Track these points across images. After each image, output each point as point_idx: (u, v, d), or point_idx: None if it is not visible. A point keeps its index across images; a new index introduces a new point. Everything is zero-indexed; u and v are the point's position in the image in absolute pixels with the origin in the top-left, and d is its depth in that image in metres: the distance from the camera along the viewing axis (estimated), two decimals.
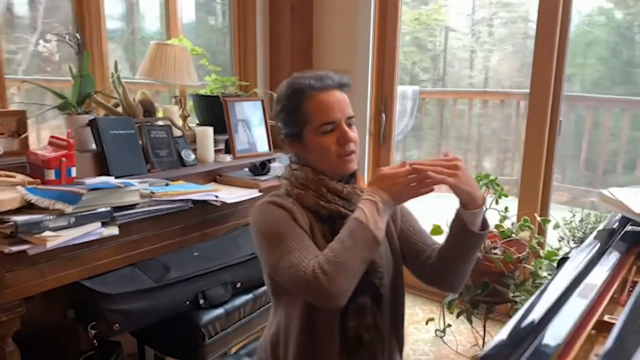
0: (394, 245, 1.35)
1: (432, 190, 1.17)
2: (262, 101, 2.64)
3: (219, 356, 1.93)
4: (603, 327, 1.07)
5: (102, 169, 2.02)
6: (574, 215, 2.28)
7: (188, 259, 1.95)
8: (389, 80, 2.97)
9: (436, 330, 2.61)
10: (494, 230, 2.38)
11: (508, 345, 0.94)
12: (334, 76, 1.31)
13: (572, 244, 2.24)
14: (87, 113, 2.10)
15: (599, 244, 1.39)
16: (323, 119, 1.25)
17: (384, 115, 2.99)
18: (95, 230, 1.71)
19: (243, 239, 2.14)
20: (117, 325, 1.68)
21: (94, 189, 1.73)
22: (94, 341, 1.74)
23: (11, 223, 1.51)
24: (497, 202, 2.41)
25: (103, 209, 1.74)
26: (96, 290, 1.68)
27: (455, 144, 5.36)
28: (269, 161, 2.46)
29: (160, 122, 2.30)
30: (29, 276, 1.58)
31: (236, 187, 2.28)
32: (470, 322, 2.32)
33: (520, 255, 2.25)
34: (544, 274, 2.23)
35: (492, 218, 2.53)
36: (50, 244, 1.58)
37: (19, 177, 1.77)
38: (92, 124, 2.04)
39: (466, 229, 1.20)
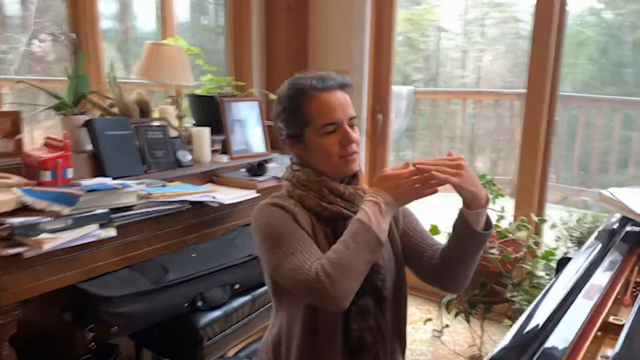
0: (395, 246, 1.34)
1: (436, 191, 1.16)
2: (259, 101, 2.63)
3: (217, 358, 1.92)
4: (608, 329, 1.07)
5: (98, 170, 2.00)
6: (571, 215, 2.29)
7: (186, 260, 1.93)
8: (385, 80, 2.97)
9: (433, 330, 2.61)
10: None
11: (515, 349, 0.94)
12: (336, 76, 1.30)
13: (569, 244, 2.25)
14: (82, 114, 2.08)
15: (600, 245, 1.39)
16: (325, 119, 1.25)
17: (380, 116, 2.99)
18: (92, 232, 1.69)
19: (241, 240, 2.13)
20: (115, 328, 1.67)
21: (91, 190, 1.71)
22: (92, 344, 1.73)
23: (7, 225, 1.49)
24: (493, 202, 2.42)
25: (100, 211, 1.73)
26: (94, 292, 1.67)
27: (449, 143, 5.36)
28: (266, 161, 2.45)
29: (157, 123, 2.28)
30: (25, 279, 1.56)
31: (233, 187, 2.27)
32: (469, 322, 2.32)
33: (517, 255, 2.25)
34: (541, 273, 2.24)
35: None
36: (47, 247, 1.56)
37: (15, 179, 1.75)
38: (88, 124, 2.02)
39: (470, 229, 1.19)
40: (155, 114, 2.39)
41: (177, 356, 1.89)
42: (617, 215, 1.57)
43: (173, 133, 2.31)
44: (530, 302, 2.13)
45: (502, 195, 2.34)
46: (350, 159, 1.27)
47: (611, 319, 1.08)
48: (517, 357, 0.90)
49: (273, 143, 2.68)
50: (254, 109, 2.61)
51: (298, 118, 1.27)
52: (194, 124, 2.62)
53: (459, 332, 2.63)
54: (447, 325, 2.53)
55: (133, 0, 4.12)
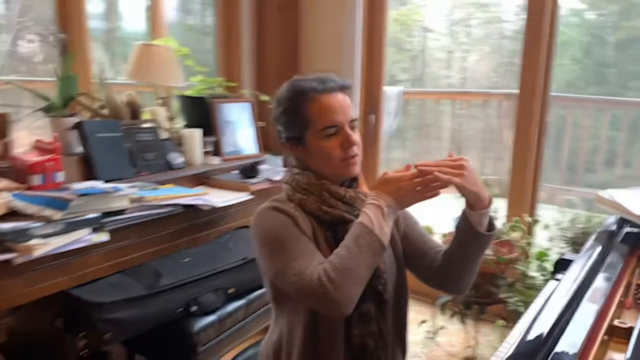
0: (396, 249, 1.33)
1: (438, 193, 1.15)
2: (251, 102, 2.60)
3: None
4: (613, 332, 1.07)
5: (89, 173, 1.96)
6: (564, 216, 2.29)
7: (179, 265, 1.90)
8: (377, 81, 2.96)
9: (427, 331, 2.61)
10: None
11: (524, 356, 0.93)
12: (336, 78, 1.28)
13: (562, 244, 2.26)
14: (72, 116, 2.04)
15: (600, 247, 1.39)
16: (326, 122, 1.23)
17: (372, 116, 2.98)
18: (84, 237, 1.66)
19: (234, 243, 2.11)
20: (108, 334, 1.63)
21: (83, 194, 1.68)
22: (84, 351, 1.69)
23: None
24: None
25: (92, 215, 1.70)
26: (86, 299, 1.63)
27: (438, 144, 5.37)
28: (258, 163, 2.42)
29: (147, 125, 2.25)
30: (16, 286, 1.52)
31: (225, 190, 2.25)
32: (464, 323, 2.32)
33: (511, 256, 2.26)
34: (535, 274, 2.24)
35: None
36: (38, 253, 1.53)
37: (3, 183, 1.71)
38: (78, 127, 1.99)
39: (473, 230, 1.18)
40: (146, 116, 2.35)
41: None
42: (615, 217, 1.58)
43: (164, 135, 2.28)
44: (525, 302, 2.14)
45: (497, 196, 2.34)
46: (351, 162, 1.25)
47: (616, 322, 1.08)
48: None
49: (265, 144, 2.66)
50: (246, 110, 2.59)
51: (298, 120, 1.25)
52: (184, 126, 2.58)
53: (453, 333, 2.63)
54: (442, 327, 2.53)
55: (119, 0, 4.07)
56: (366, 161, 3.04)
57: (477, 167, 5.28)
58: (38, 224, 1.56)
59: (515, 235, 2.31)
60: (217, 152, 2.46)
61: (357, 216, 1.21)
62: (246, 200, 2.18)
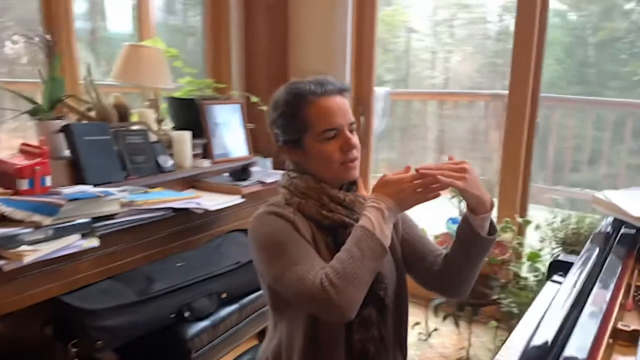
0: (396, 253, 1.32)
1: (438, 195, 1.15)
2: (241, 104, 2.57)
3: None
4: (617, 335, 1.06)
5: (77, 177, 1.92)
6: (555, 217, 2.30)
7: (171, 270, 1.87)
8: (367, 82, 2.95)
9: (419, 333, 2.60)
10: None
11: None
12: (335, 81, 1.26)
13: (554, 245, 2.26)
14: (59, 118, 2.00)
15: (597, 249, 1.39)
16: (325, 125, 1.21)
17: (362, 118, 2.97)
18: (74, 242, 1.63)
19: (226, 247, 2.08)
20: (100, 342, 1.60)
21: (73, 199, 1.64)
22: (75, 359, 1.66)
23: None
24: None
25: (82, 220, 1.67)
26: (77, 306, 1.60)
27: (425, 144, 5.39)
28: (249, 165, 2.40)
29: (136, 127, 2.21)
30: (4, 293, 1.49)
31: (217, 193, 2.22)
32: (457, 325, 2.32)
33: (504, 257, 2.26)
34: (527, 275, 2.25)
35: None
36: (27, 259, 1.50)
37: None
38: (66, 130, 1.94)
39: (475, 234, 1.18)
40: (134, 118, 2.31)
41: None
42: (610, 218, 1.58)
43: (153, 137, 2.24)
44: (518, 304, 2.15)
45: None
46: (351, 166, 1.24)
47: (619, 325, 1.07)
48: None
49: (255, 146, 2.64)
50: (236, 111, 2.56)
51: (296, 124, 1.23)
52: (173, 128, 2.55)
53: (445, 334, 2.62)
54: (436, 329, 2.52)
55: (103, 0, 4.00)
56: None
57: None
58: (27, 230, 1.52)
59: (507, 236, 2.32)
60: (206, 154, 2.43)
61: (357, 220, 1.20)
62: (238, 204, 2.16)
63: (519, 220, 2.43)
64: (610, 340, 1.02)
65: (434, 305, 2.34)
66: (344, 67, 2.80)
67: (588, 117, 4.69)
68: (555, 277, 1.64)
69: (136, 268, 1.83)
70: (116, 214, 1.77)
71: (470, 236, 1.19)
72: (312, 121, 1.21)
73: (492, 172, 4.36)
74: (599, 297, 1.11)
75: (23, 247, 1.49)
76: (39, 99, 1.99)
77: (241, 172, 2.30)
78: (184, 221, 1.99)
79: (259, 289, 2.03)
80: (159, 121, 2.39)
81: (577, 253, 2.11)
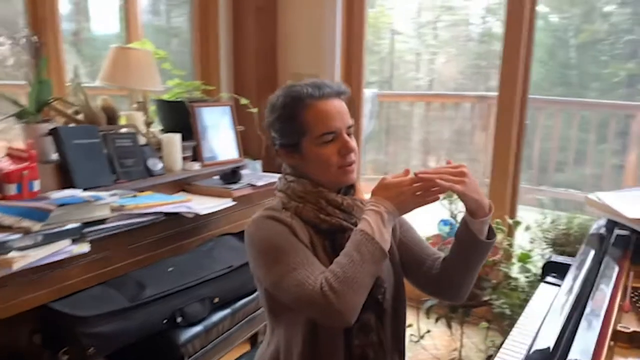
0: (394, 257, 1.31)
1: (437, 199, 1.14)
2: (231, 106, 2.55)
3: None
4: (617, 337, 1.07)
5: (66, 182, 1.89)
6: (545, 217, 2.32)
7: (163, 275, 1.85)
8: (356, 83, 2.94)
9: (411, 335, 2.60)
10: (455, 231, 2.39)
11: None
12: (332, 84, 1.25)
13: (544, 246, 2.28)
14: (46, 121, 1.96)
15: (592, 251, 1.40)
16: (324, 128, 1.20)
17: (351, 120, 2.96)
18: (64, 248, 1.60)
19: (218, 251, 2.06)
20: (91, 349, 1.57)
21: (63, 204, 1.61)
22: None
23: None
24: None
25: (72, 225, 1.63)
26: (68, 313, 1.57)
27: (411, 145, 5.40)
28: (240, 168, 2.38)
29: (125, 130, 2.18)
30: None
31: (207, 196, 2.19)
32: (450, 327, 2.33)
33: (495, 258, 2.27)
34: (518, 275, 2.26)
35: None
36: (17, 266, 1.46)
37: None
38: (54, 133, 1.91)
39: (474, 238, 1.17)
40: (122, 121, 2.28)
41: None
42: (603, 220, 1.59)
43: (142, 140, 2.21)
44: (510, 304, 2.16)
45: None
46: (349, 169, 1.23)
47: (619, 327, 1.08)
48: None
49: (245, 149, 2.62)
50: (225, 114, 2.54)
51: (294, 127, 1.21)
52: (162, 130, 2.52)
53: (437, 336, 2.63)
54: (428, 331, 2.52)
55: (87, 1, 3.94)
56: None
57: None
58: (16, 236, 1.49)
59: (498, 237, 2.32)
60: (196, 157, 2.41)
61: (355, 224, 1.19)
62: (229, 207, 2.14)
63: (509, 221, 2.44)
64: (612, 343, 1.03)
65: (426, 307, 2.34)
66: (333, 69, 2.79)
67: (572, 118, 4.74)
68: (549, 279, 1.65)
69: (127, 273, 1.80)
70: (107, 218, 1.74)
71: (469, 240, 1.18)
72: (310, 124, 1.20)
73: (479, 173, 4.39)
74: (598, 300, 1.12)
75: (12, 254, 1.46)
76: (24, 102, 1.95)
77: (231, 175, 2.27)
78: (175, 225, 1.96)
79: (251, 293, 2.04)
80: (148, 124, 2.35)
81: (567, 254, 2.14)
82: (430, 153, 5.41)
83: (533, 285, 2.17)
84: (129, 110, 2.42)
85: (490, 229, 1.21)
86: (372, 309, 1.22)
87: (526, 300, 2.16)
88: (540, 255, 2.27)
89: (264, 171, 2.74)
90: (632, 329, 1.07)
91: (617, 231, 1.49)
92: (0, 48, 1.96)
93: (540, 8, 6.21)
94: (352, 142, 1.23)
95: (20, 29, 2.12)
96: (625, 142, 4.57)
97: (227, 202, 2.13)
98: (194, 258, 1.98)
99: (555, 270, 1.67)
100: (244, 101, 2.57)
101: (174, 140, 2.27)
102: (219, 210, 2.09)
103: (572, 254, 2.08)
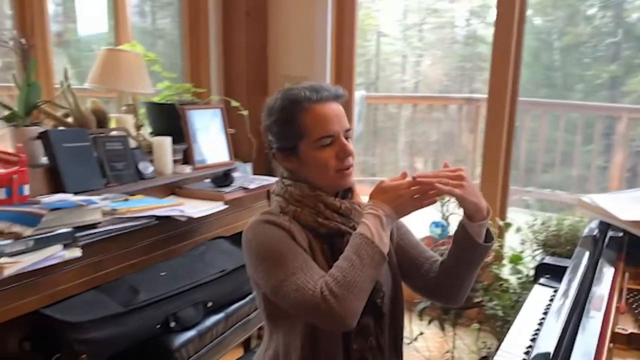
0: (391, 260, 1.30)
1: (435, 202, 1.15)
2: (222, 109, 2.54)
3: None
4: (615, 339, 1.08)
5: (56, 186, 1.86)
6: (536, 219, 2.34)
7: (156, 279, 1.83)
8: (347, 86, 2.93)
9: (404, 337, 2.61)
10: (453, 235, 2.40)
11: None
12: (330, 87, 1.25)
13: (534, 247, 2.30)
14: (35, 125, 1.93)
15: (587, 253, 1.41)
16: (322, 132, 1.19)
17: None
18: (56, 253, 1.58)
19: (211, 254, 2.05)
20: (84, 355, 1.55)
21: (55, 208, 1.59)
22: None
23: None
24: (459, 207, 2.44)
25: (64, 230, 1.61)
26: (60, 319, 1.55)
27: (399, 147, 5.42)
28: (230, 171, 2.36)
29: (115, 133, 2.16)
30: None
31: (199, 199, 2.18)
32: (443, 329, 2.33)
33: (487, 259, 2.28)
34: (510, 277, 2.27)
35: (455, 224, 2.56)
36: (8, 272, 1.44)
37: None
38: (43, 136, 1.88)
39: (472, 241, 1.18)
40: (112, 124, 2.25)
41: None
42: (596, 222, 1.61)
43: (132, 144, 2.19)
44: (502, 306, 2.17)
45: None
46: (346, 173, 1.23)
47: (617, 329, 1.09)
48: None
49: (235, 151, 2.61)
50: (216, 116, 2.52)
51: (292, 130, 1.21)
52: (151, 133, 2.50)
53: (429, 337, 2.63)
54: (421, 333, 2.53)
55: (75, 1, 3.89)
56: None
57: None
58: (7, 242, 1.46)
59: None
60: (187, 160, 2.39)
61: (353, 228, 1.19)
62: (221, 210, 2.12)
63: (500, 222, 2.46)
64: (611, 345, 1.03)
65: (419, 310, 2.34)
66: (323, 71, 2.79)
67: (558, 119, 4.79)
68: (542, 280, 1.66)
69: (120, 278, 1.78)
70: (98, 223, 1.72)
71: (467, 243, 1.19)
72: (308, 128, 1.20)
73: (468, 174, 4.41)
74: (596, 302, 1.12)
75: (3, 259, 1.43)
76: (11, 105, 1.92)
77: (223, 178, 2.26)
78: (167, 229, 1.95)
79: (244, 297, 2.03)
80: (138, 127, 2.33)
81: (558, 255, 2.16)
82: (417, 155, 5.44)
83: (525, 286, 2.19)
84: (117, 113, 2.39)
85: (488, 232, 1.21)
86: (371, 313, 1.21)
87: (518, 302, 2.18)
88: (530, 257, 2.28)
89: (255, 174, 2.73)
90: (629, 331, 1.07)
91: (610, 233, 1.50)
92: None
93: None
94: (350, 145, 1.23)
95: (7, 31, 2.08)
96: (610, 144, 4.63)
97: (219, 206, 2.12)
98: (186, 262, 1.97)
99: (548, 271, 1.68)
100: (234, 103, 2.56)
101: (165, 144, 2.25)
102: (211, 214, 2.07)
103: (562, 255, 2.11)
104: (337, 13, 2.85)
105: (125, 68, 2.23)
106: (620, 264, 1.36)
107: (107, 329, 1.60)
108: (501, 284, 2.24)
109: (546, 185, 4.84)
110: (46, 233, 1.56)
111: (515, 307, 2.12)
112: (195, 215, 1.97)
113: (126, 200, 1.94)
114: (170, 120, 2.40)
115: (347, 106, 2.82)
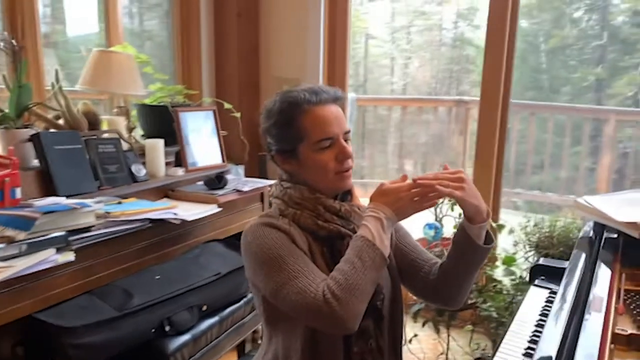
0: (390, 262, 1.30)
1: (435, 204, 1.15)
2: (214, 111, 2.52)
3: None
4: (615, 340, 1.08)
5: (48, 188, 1.84)
6: (529, 221, 2.35)
7: (150, 283, 1.81)
8: (340, 88, 2.93)
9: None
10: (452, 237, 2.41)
11: None
12: (329, 89, 1.25)
13: (527, 248, 2.31)
14: (26, 127, 1.91)
15: (584, 255, 1.42)
16: (321, 134, 1.19)
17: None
18: (49, 257, 1.55)
19: (205, 258, 2.03)
20: None
21: (48, 212, 1.57)
22: None
23: None
24: (452, 209, 2.46)
25: (57, 234, 1.59)
26: (53, 323, 1.52)
27: (389, 149, 5.42)
28: (223, 173, 2.35)
29: (107, 135, 2.13)
30: None
31: (192, 202, 2.16)
32: (438, 331, 2.34)
33: None
34: (503, 278, 2.28)
35: (449, 225, 2.58)
36: (0, 277, 1.41)
37: None
38: (35, 139, 1.86)
39: (472, 244, 1.18)
40: (104, 126, 2.23)
41: None
42: (590, 223, 1.62)
43: (125, 146, 2.17)
44: (496, 307, 2.18)
45: None
46: (346, 175, 1.23)
47: (617, 330, 1.09)
48: None
49: (228, 153, 2.59)
50: (208, 118, 2.51)
51: (291, 133, 1.20)
52: (143, 135, 2.48)
53: (423, 339, 2.63)
54: (416, 335, 2.53)
55: (63, 1, 3.85)
56: None
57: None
58: None
59: None
60: (179, 162, 2.37)
61: (353, 230, 1.19)
62: (215, 213, 2.11)
63: (492, 224, 2.47)
64: (612, 346, 1.04)
65: (413, 312, 2.35)
66: (316, 73, 2.79)
67: (546, 122, 4.82)
68: (538, 282, 1.67)
69: (113, 282, 1.76)
70: (92, 226, 1.70)
71: (467, 245, 1.19)
72: (307, 130, 1.19)
73: (467, 176, 4.42)
74: (596, 304, 1.13)
75: None
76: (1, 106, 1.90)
77: (216, 181, 2.25)
78: (161, 232, 1.93)
79: (238, 300, 2.02)
80: (130, 129, 2.31)
81: (551, 256, 2.17)
82: (407, 157, 5.45)
83: (518, 288, 2.20)
84: (108, 115, 2.37)
85: (488, 234, 1.21)
86: (371, 316, 1.21)
87: (512, 303, 2.19)
88: (524, 258, 2.30)
89: (247, 176, 2.72)
90: (629, 332, 1.08)
91: (606, 234, 1.51)
92: None
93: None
94: (349, 147, 1.22)
95: None
96: (598, 146, 4.68)
97: (212, 208, 2.10)
98: (181, 265, 1.95)
99: (543, 273, 1.69)
100: (227, 105, 2.55)
101: (158, 146, 2.23)
102: (204, 217, 2.06)
103: (555, 257, 2.12)
104: (329, 14, 2.84)
105: (117, 70, 2.21)
106: (616, 265, 1.37)
107: (102, 334, 1.59)
108: (495, 286, 2.25)
109: (535, 187, 4.87)
110: (39, 237, 1.54)
111: (509, 308, 2.14)
112: (189, 218, 1.96)
113: (119, 203, 1.92)
114: (162, 122, 2.38)
115: (342, 108, 2.80)
